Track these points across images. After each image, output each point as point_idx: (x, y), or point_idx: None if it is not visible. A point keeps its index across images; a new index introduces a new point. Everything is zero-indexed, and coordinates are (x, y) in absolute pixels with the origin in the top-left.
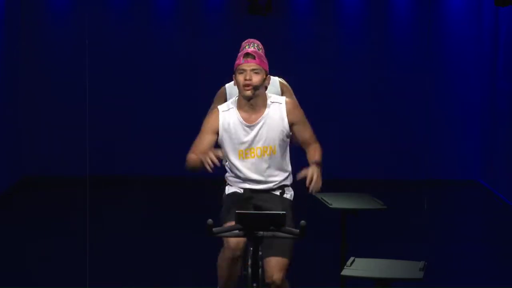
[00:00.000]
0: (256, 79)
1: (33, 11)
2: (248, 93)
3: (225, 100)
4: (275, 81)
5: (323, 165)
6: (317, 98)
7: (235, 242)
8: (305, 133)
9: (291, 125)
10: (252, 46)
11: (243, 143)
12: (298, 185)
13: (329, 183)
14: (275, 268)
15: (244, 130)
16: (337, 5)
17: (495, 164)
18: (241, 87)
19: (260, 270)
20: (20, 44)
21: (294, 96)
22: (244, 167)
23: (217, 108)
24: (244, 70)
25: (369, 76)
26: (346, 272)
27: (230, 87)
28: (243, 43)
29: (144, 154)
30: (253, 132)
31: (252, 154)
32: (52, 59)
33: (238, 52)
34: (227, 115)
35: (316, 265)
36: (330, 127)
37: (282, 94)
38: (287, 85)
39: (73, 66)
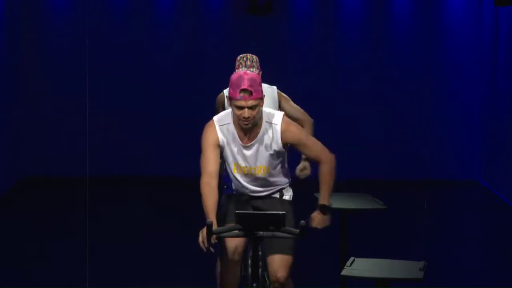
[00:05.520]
0: (254, 113)
1: (33, 11)
2: (246, 127)
3: (223, 107)
4: (273, 91)
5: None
6: (317, 98)
7: (233, 246)
8: (308, 151)
9: (290, 145)
10: (248, 61)
11: (239, 159)
12: (298, 184)
13: None
14: (279, 266)
15: (240, 149)
16: (337, 6)
17: (495, 164)
18: (237, 120)
19: (260, 270)
20: (20, 44)
21: (292, 104)
22: (241, 179)
23: (213, 122)
24: (241, 107)
25: (369, 76)
26: (346, 272)
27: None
28: (238, 58)
29: (144, 154)
30: (247, 153)
31: (246, 170)
32: (52, 59)
33: (237, 54)
34: (224, 130)
35: (316, 265)
36: (330, 127)
37: (279, 104)
38: (285, 95)
39: (73, 66)
